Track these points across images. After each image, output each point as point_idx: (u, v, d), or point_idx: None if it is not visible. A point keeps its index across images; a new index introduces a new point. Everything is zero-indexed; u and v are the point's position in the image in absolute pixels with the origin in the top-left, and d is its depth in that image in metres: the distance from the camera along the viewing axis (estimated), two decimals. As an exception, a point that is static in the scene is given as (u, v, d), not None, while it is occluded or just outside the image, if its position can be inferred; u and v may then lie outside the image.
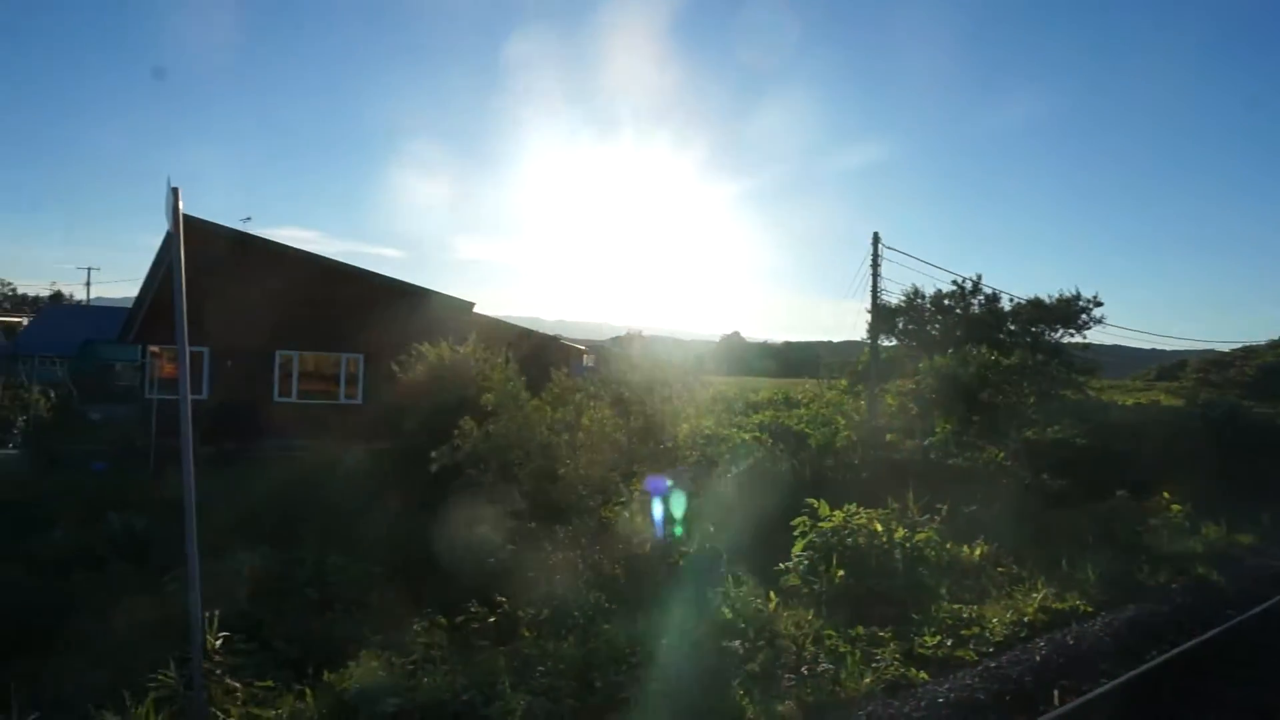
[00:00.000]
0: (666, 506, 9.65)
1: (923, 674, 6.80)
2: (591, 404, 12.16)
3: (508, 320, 26.72)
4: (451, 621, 7.17)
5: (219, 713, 4.76)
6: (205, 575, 8.61)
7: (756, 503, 12.55)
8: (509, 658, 5.93)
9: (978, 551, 10.57)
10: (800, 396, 31.40)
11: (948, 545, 10.43)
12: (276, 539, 10.60)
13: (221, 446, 17.85)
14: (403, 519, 11.44)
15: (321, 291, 20.95)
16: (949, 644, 7.56)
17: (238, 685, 4.94)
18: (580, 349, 30.58)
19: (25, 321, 65.19)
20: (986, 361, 20.44)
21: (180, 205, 5.16)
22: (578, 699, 5.42)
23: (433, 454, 11.01)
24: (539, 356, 20.25)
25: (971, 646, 7.61)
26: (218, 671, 4.89)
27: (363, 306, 21.25)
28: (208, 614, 4.95)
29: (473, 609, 7.31)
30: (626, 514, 9.95)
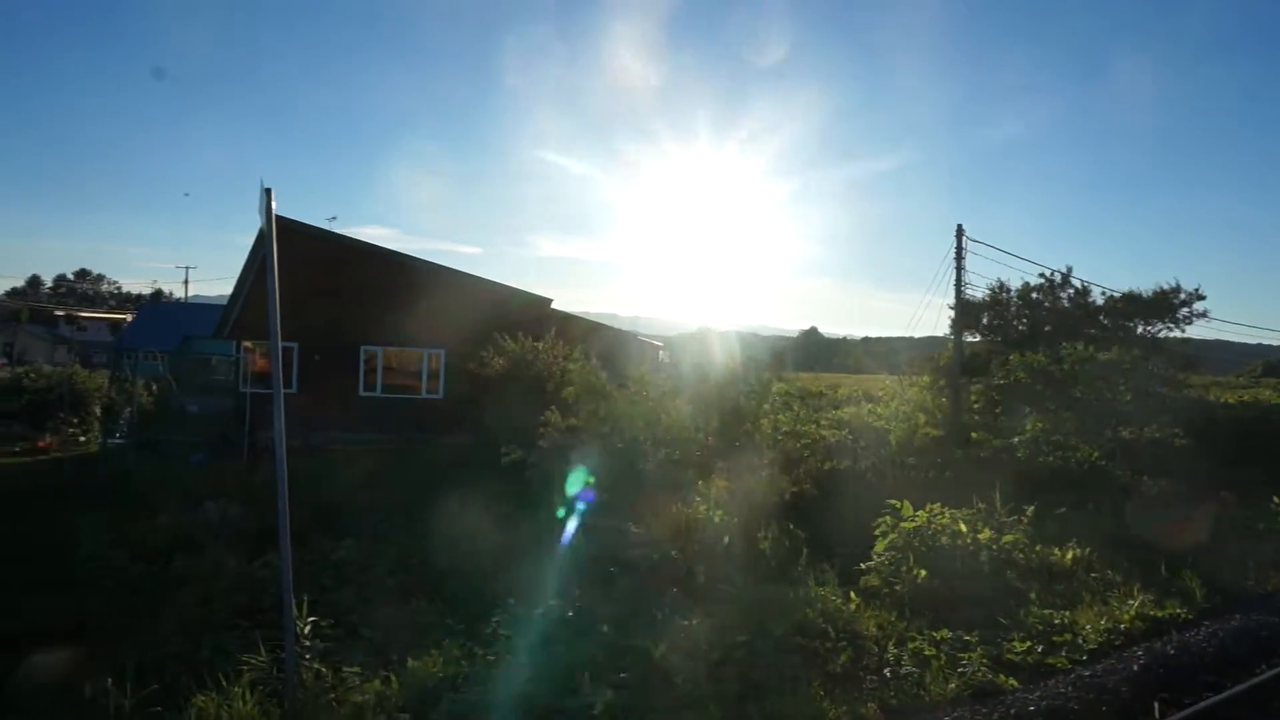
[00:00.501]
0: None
1: (1012, 680, 6.56)
2: (670, 400, 12.15)
3: (584, 316, 26.93)
4: (530, 614, 7.25)
5: (309, 694, 4.91)
6: (294, 562, 8.91)
7: (837, 499, 12.36)
8: (588, 651, 5.94)
9: (1069, 555, 10.16)
10: (880, 393, 30.76)
11: (1037, 548, 10.06)
12: (360, 529, 10.93)
13: (310, 440, 18.49)
14: (480, 511, 11.64)
15: (404, 288, 21.45)
16: (1039, 650, 7.28)
17: (327, 670, 5.09)
18: (656, 344, 30.60)
19: (129, 318, 68.72)
20: (1082, 357, 19.63)
21: (273, 206, 5.33)
22: (657, 695, 5.41)
23: (503, 450, 11.16)
24: (615, 352, 20.33)
25: (1064, 653, 7.31)
26: (307, 656, 5.05)
27: (444, 303, 21.68)
28: (298, 600, 5.10)
29: (551, 601, 7.38)
30: (705, 508, 9.90)
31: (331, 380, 21.41)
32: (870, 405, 23.81)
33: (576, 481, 10.82)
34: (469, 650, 5.90)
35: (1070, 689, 6.49)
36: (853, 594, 8.02)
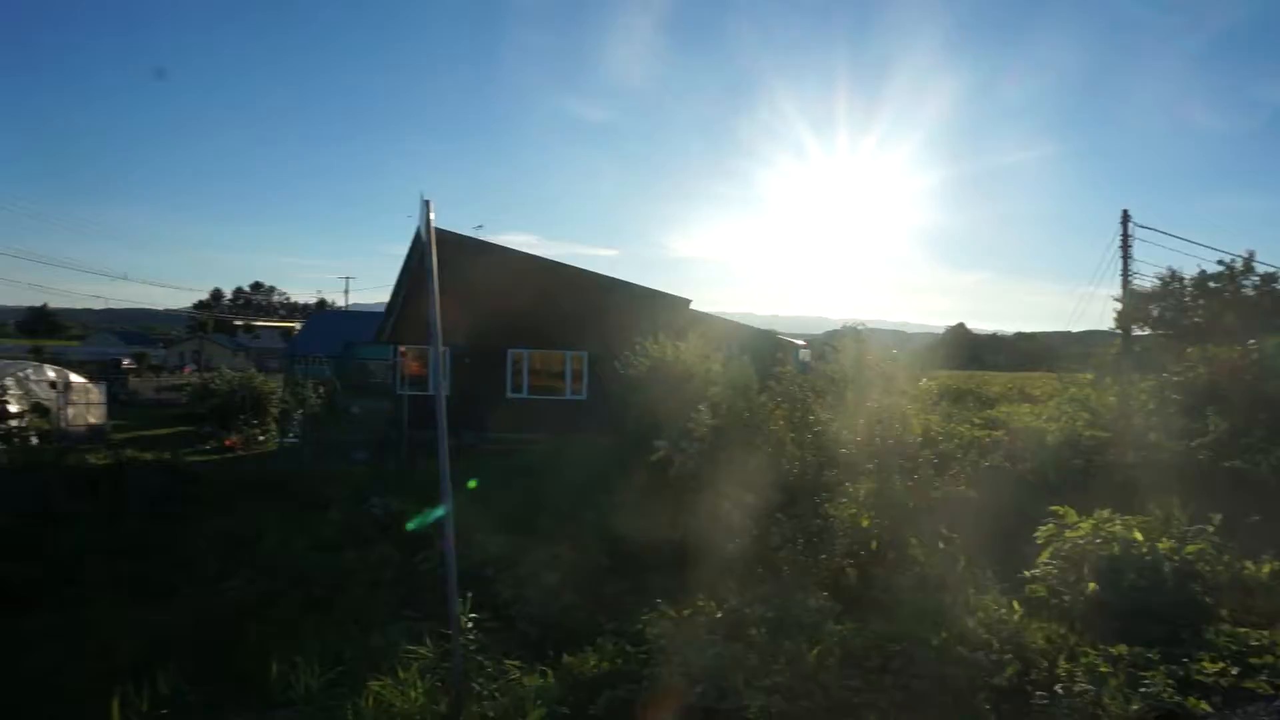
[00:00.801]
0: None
1: (1204, 704, 6.04)
2: (816, 399, 11.93)
3: (722, 316, 26.86)
4: (680, 613, 7.29)
5: (473, 685, 5.13)
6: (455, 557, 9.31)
7: (993, 504, 11.77)
8: (740, 654, 5.91)
9: (1266, 569, 9.24)
10: (1036, 392, 29.15)
11: (1225, 559, 9.21)
12: (513, 526, 11.32)
13: (460, 439, 19.32)
14: (626, 511, 11.81)
15: (548, 292, 22.07)
16: (1234, 672, 6.66)
17: (489, 662, 5.30)
18: (798, 343, 30.17)
19: (297, 326, 73.99)
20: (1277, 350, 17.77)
21: (432, 216, 5.60)
22: (812, 700, 5.31)
23: (652, 449, 11.25)
24: (756, 351, 20.17)
25: (1263, 677, 6.65)
26: (472, 648, 5.27)
27: (586, 305, 22.17)
28: (461, 594, 5.33)
29: (700, 602, 7.38)
30: (853, 510, 9.66)
31: (481, 382, 22.30)
32: (1028, 405, 22.56)
33: (721, 481, 10.80)
34: (622, 648, 5.99)
35: (1274, 718, 5.91)
36: (1015, 604, 7.61)
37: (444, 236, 21.87)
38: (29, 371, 24.40)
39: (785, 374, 13.05)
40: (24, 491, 12.78)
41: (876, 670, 5.84)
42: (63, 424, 23.68)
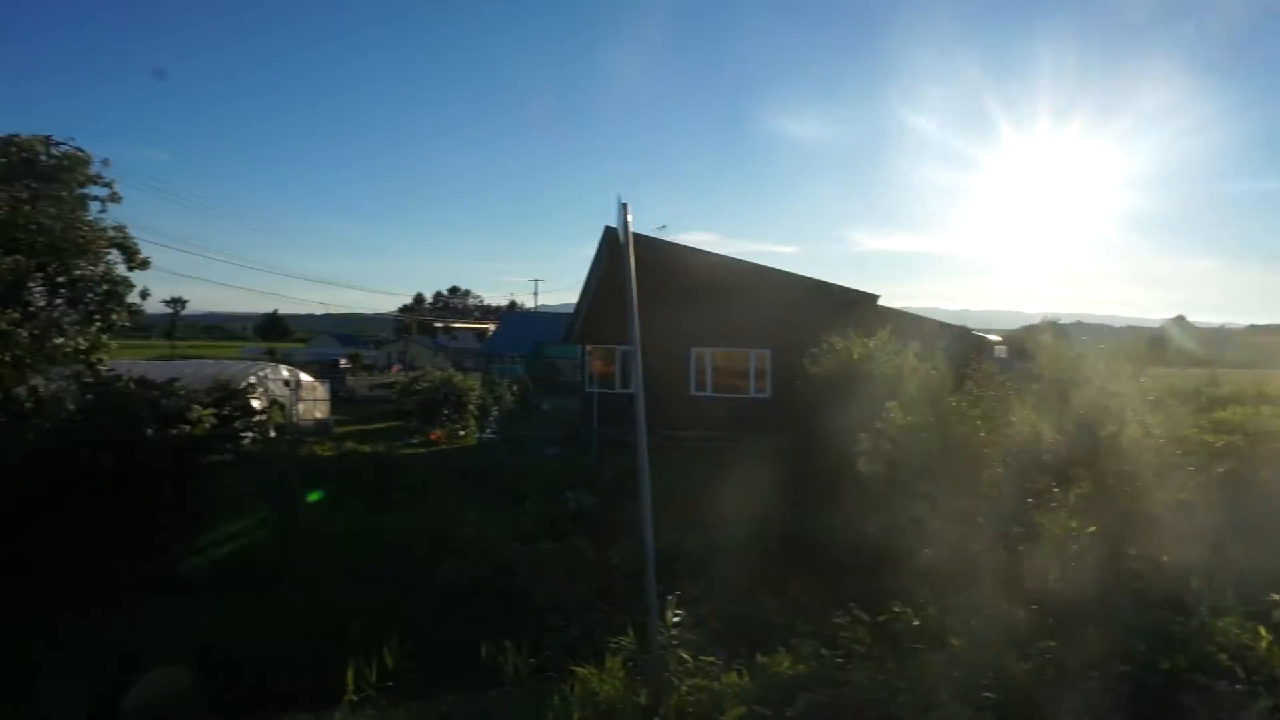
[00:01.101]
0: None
1: None
2: (1015, 399, 11.25)
3: (910, 311, 25.83)
4: (873, 619, 7.09)
5: (672, 678, 5.24)
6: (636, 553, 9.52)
7: (1227, 515, 10.61)
8: (945, 666, 5.67)
9: None
10: (1277, 392, 25.98)
11: None
12: (699, 523, 11.44)
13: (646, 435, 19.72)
14: (814, 511, 11.63)
15: (731, 290, 22.08)
16: None
17: (687, 657, 5.40)
18: (993, 340, 28.49)
19: (491, 328, 78.24)
20: None
21: (629, 219, 5.74)
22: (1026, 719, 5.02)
23: (847, 442, 11.00)
24: (948, 348, 19.26)
25: None
26: (674, 643, 5.39)
27: (770, 303, 22.00)
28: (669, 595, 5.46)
29: (896, 609, 7.15)
30: (1063, 515, 9.02)
31: (664, 381, 22.65)
32: (1269, 407, 20.14)
33: (914, 483, 10.40)
34: (817, 650, 5.91)
35: None
36: (1261, 630, 6.82)
37: (619, 237, 22.37)
38: (268, 371, 27.33)
39: (982, 370, 12.40)
40: (268, 479, 14.35)
41: (1098, 691, 5.43)
42: (294, 418, 26.36)
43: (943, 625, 6.99)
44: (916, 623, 7.05)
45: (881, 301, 22.86)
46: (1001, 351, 26.01)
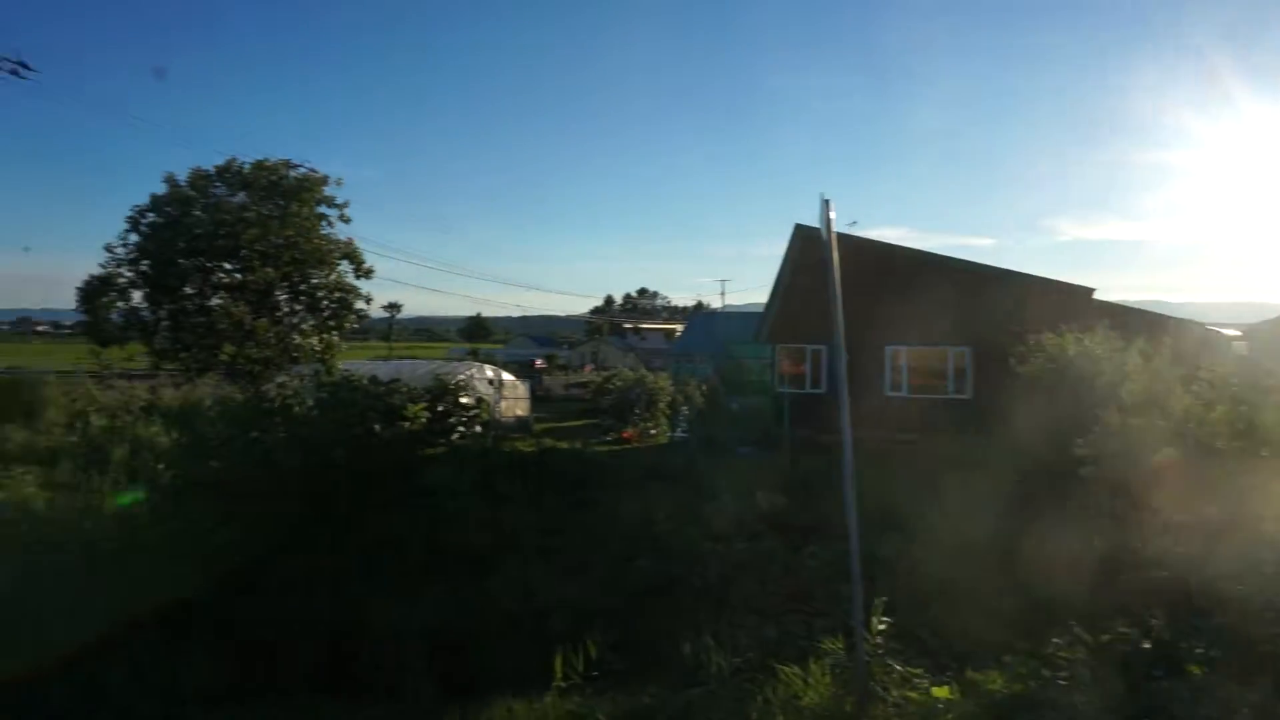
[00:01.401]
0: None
1: None
2: (1265, 399, 10.06)
3: (1129, 305, 23.67)
4: (1096, 639, 6.57)
5: (877, 687, 5.11)
6: (832, 554, 9.34)
7: None
8: (1190, 696, 5.18)
9: None
10: None
11: None
12: (897, 528, 11.05)
13: (838, 436, 19.29)
14: (1024, 520, 10.93)
15: (927, 286, 21.20)
16: None
17: (895, 666, 5.25)
18: (1229, 334, 25.54)
19: (679, 329, 79.37)
20: None
21: (832, 215, 5.67)
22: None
23: (1065, 447, 10.28)
24: (1175, 344, 17.50)
25: None
26: (880, 651, 5.26)
27: (968, 299, 20.91)
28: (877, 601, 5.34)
29: (1122, 629, 6.59)
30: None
31: (858, 380, 22.03)
32: None
33: (1143, 493, 9.55)
34: (1036, 670, 5.57)
35: None
36: None
37: (817, 235, 21.98)
38: (474, 371, 29.17)
39: (1220, 369, 11.19)
40: (477, 472, 15.32)
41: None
42: (497, 415, 27.97)
43: (1178, 651, 6.38)
44: (1147, 645, 6.47)
45: (1097, 295, 21.11)
46: (1241, 348, 23.23)
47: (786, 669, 5.32)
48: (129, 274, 25.38)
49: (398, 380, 13.90)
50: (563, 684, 6.15)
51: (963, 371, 21.71)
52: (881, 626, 5.68)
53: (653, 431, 27.71)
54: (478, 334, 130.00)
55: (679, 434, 26.62)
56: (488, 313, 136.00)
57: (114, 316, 25.69)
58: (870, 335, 21.95)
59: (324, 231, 26.70)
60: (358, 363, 28.48)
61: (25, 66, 27.03)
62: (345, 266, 27.22)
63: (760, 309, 30.86)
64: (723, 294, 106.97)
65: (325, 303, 26.95)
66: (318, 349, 26.16)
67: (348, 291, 27.31)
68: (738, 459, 19.29)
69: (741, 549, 10.92)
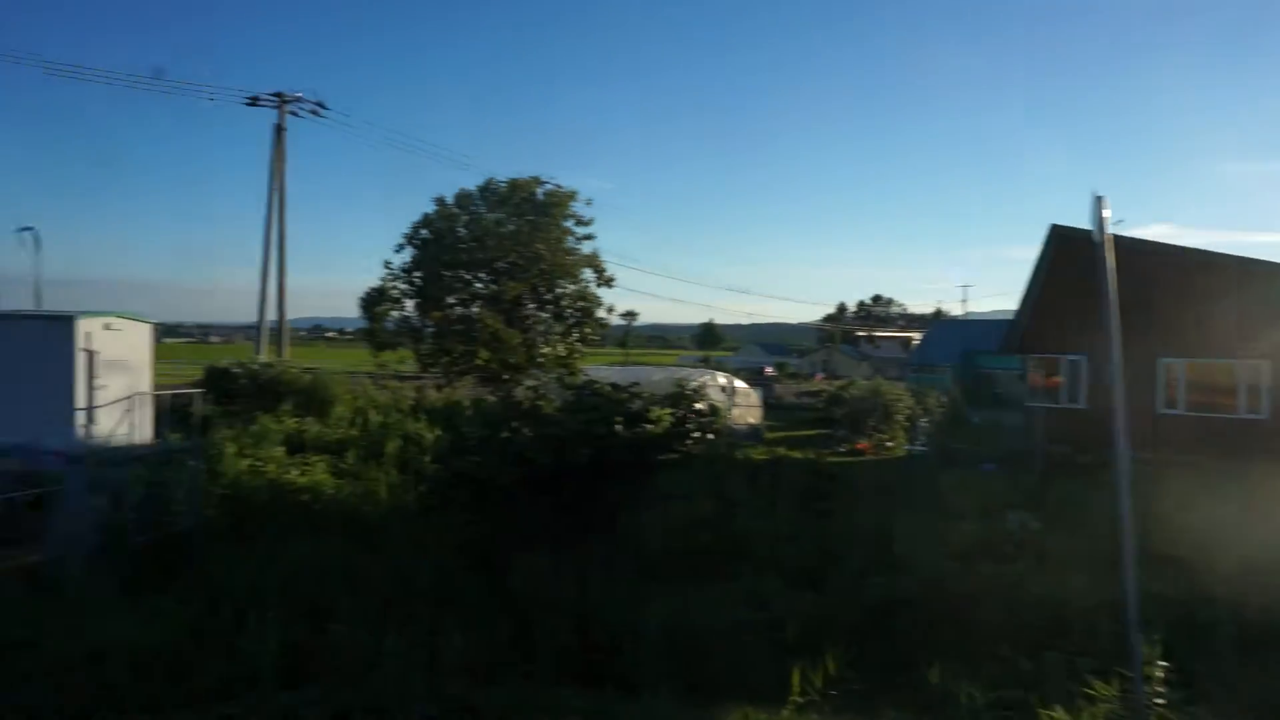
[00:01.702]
0: None
1: None
2: None
3: None
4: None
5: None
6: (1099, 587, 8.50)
7: None
8: None
9: None
10: None
11: None
12: (1173, 561, 9.90)
13: (1099, 456, 17.54)
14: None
15: (1209, 291, 18.80)
16: None
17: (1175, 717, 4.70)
18: None
19: (916, 337, 75.98)
20: None
21: (1106, 214, 5.19)
22: None
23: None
24: None
25: None
26: (1159, 701, 4.73)
27: (1266, 304, 18.27)
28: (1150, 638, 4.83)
29: None
30: None
31: (1127, 395, 19.94)
32: None
33: None
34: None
35: None
36: None
37: (1084, 235, 20.05)
38: (707, 378, 29.60)
39: None
40: (711, 477, 15.53)
41: None
42: (729, 422, 28.14)
43: None
44: None
45: None
46: None
47: (1053, 713, 4.90)
48: (402, 285, 28.38)
49: (638, 385, 14.42)
50: (799, 699, 6.07)
51: (1258, 388, 18.94)
52: (1161, 674, 5.09)
53: (889, 444, 26.68)
54: (709, 341, 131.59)
55: (917, 447, 25.40)
56: (720, 320, 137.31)
57: (388, 324, 28.83)
58: (1140, 346, 19.73)
59: (569, 244, 28.34)
60: (595, 368, 29.86)
61: (323, 106, 31.07)
62: (588, 275, 28.71)
63: (1005, 317, 28.78)
64: (964, 300, 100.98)
65: (569, 311, 28.59)
66: (562, 355, 27.78)
67: (590, 301, 28.79)
68: (981, 476, 18.08)
69: (988, 573, 10.25)
